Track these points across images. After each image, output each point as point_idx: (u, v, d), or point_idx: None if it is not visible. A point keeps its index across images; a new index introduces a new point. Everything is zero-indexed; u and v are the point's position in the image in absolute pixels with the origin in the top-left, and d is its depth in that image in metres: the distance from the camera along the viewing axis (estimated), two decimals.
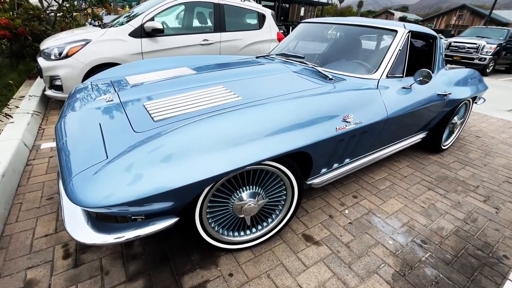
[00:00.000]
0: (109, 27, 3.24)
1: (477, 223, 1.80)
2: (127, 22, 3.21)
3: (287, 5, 26.76)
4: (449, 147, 2.91)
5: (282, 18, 25.87)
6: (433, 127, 2.52)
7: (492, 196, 2.12)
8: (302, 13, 26.46)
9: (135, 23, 3.18)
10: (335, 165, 1.69)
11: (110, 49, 3.02)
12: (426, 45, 2.82)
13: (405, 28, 2.00)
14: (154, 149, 1.00)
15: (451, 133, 2.84)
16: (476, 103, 2.98)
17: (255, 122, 1.17)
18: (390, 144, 2.08)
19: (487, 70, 8.78)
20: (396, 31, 1.98)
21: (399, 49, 1.94)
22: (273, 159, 1.21)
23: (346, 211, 1.81)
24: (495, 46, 8.41)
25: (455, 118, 2.68)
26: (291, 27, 20.38)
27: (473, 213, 1.89)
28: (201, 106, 1.37)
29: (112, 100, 1.47)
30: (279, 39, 4.34)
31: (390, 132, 1.89)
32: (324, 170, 1.63)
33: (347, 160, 1.74)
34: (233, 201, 1.29)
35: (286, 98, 1.37)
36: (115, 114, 1.33)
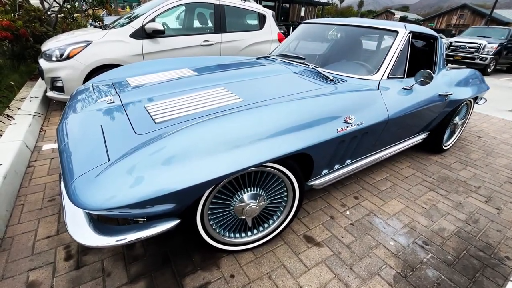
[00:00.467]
0: (110, 28, 3.25)
1: (478, 224, 1.79)
2: (128, 23, 3.22)
3: (288, 5, 26.75)
4: (450, 147, 2.90)
5: (282, 18, 25.85)
6: (434, 128, 2.52)
7: (493, 196, 2.11)
8: (302, 13, 26.45)
9: (136, 24, 3.19)
10: (336, 166, 1.69)
11: (111, 50, 3.03)
12: (427, 45, 2.81)
13: (406, 28, 2.00)
14: (155, 151, 1.00)
15: (452, 133, 2.84)
16: (477, 103, 2.97)
17: (256, 124, 1.17)
18: (391, 145, 2.08)
19: (488, 69, 8.76)
20: (397, 32, 1.98)
21: (400, 50, 1.93)
22: (274, 160, 1.21)
23: (347, 212, 1.81)
24: (496, 45, 8.39)
25: (456, 118, 2.68)
26: (291, 27, 20.37)
27: (474, 214, 1.89)
28: (202, 107, 1.37)
29: (113, 102, 1.48)
30: (280, 40, 4.34)
31: (391, 133, 1.89)
32: (325, 171, 1.63)
33: (348, 161, 1.74)
34: (234, 202, 1.29)
35: (287, 100, 1.37)
36: (116, 116, 1.33)
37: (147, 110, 1.36)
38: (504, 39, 8.81)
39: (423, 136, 2.47)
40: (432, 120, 2.34)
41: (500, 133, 3.54)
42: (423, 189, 2.15)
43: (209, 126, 1.10)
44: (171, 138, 1.04)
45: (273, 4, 23.89)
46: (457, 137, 2.92)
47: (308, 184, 1.59)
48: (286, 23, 23.85)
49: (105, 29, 3.26)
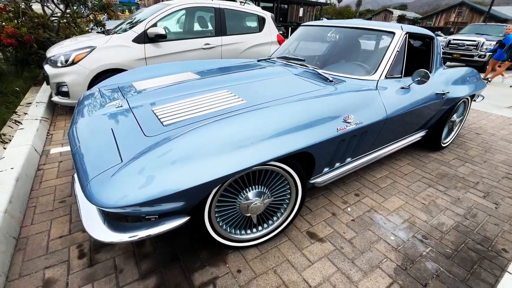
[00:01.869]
0: (113, 33, 3.32)
1: (476, 218, 1.84)
2: (130, 28, 3.29)
3: (286, 6, 26.86)
4: (449, 144, 2.95)
5: (281, 19, 25.94)
6: (433, 126, 2.57)
7: (491, 192, 2.16)
8: (301, 14, 26.58)
9: (138, 29, 3.25)
10: (337, 165, 1.74)
11: (114, 55, 3.10)
12: (424, 45, 2.86)
13: (402, 29, 2.05)
14: (164, 153, 1.06)
15: (450, 131, 2.89)
16: (475, 100, 3.02)
17: (259, 125, 1.23)
18: (391, 143, 2.13)
19: (487, 66, 8.79)
20: (393, 33, 2.03)
21: (397, 50, 1.99)
22: (278, 159, 1.27)
23: (349, 209, 1.86)
24: (495, 42, 8.42)
25: (454, 116, 2.73)
26: (290, 28, 20.47)
27: (472, 209, 1.94)
28: (208, 110, 1.43)
29: (121, 106, 1.54)
30: (279, 42, 4.41)
31: (390, 131, 1.94)
32: (326, 169, 1.68)
33: (348, 159, 1.79)
34: (240, 200, 1.35)
35: (288, 101, 1.43)
36: (125, 119, 1.39)
37: (154, 113, 1.42)
38: (502, 36, 8.84)
39: (421, 134, 2.52)
40: (430, 118, 2.39)
41: (498, 129, 3.59)
42: (423, 186, 2.20)
43: (215, 128, 1.16)
44: (178, 140, 1.10)
45: (271, 5, 24.01)
46: (455, 134, 2.97)
47: (310, 182, 1.64)
48: (285, 23, 23.95)
49: (108, 34, 3.33)
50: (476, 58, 8.68)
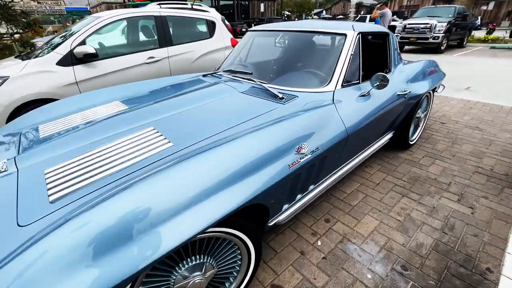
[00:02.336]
0: (34, 57, 2.81)
1: (455, 231, 1.69)
2: (52, 49, 2.79)
3: (247, 3, 26.53)
4: (416, 141, 2.84)
5: (243, 16, 25.59)
6: (399, 126, 2.42)
7: (465, 193, 2.04)
8: (262, 9, 26.41)
9: (62, 50, 2.77)
10: (299, 196, 1.49)
11: (35, 83, 2.60)
12: (380, 40, 2.71)
13: (354, 30, 1.84)
14: (37, 257, 0.72)
15: (416, 127, 2.78)
16: (436, 91, 2.94)
17: (184, 184, 0.92)
18: (357, 155, 1.93)
19: (442, 47, 9.15)
20: (345, 35, 1.81)
21: (351, 54, 1.77)
22: (216, 224, 0.97)
23: (319, 243, 1.62)
24: (446, 24, 8.78)
25: (419, 112, 2.61)
26: (253, 24, 20.20)
27: (449, 219, 1.79)
28: (120, 164, 1.09)
29: (6, 171, 1.15)
30: (234, 46, 4.09)
31: (354, 145, 1.73)
32: (286, 206, 1.42)
33: (311, 187, 1.55)
34: (173, 281, 1.04)
35: (224, 141, 1.13)
36: (3, 195, 1.01)
37: (45, 180, 1.06)
38: (451, 17, 9.24)
39: (389, 136, 2.36)
40: (395, 119, 2.23)
41: (461, 115, 3.58)
42: (396, 197, 2.02)
43: (118, 204, 0.83)
44: (56, 235, 0.76)
45: (231, 2, 23.54)
46: (421, 130, 2.87)
47: (269, 225, 1.37)
48: (248, 20, 23.64)
49: (27, 59, 2.81)
50: (430, 40, 8.99)
